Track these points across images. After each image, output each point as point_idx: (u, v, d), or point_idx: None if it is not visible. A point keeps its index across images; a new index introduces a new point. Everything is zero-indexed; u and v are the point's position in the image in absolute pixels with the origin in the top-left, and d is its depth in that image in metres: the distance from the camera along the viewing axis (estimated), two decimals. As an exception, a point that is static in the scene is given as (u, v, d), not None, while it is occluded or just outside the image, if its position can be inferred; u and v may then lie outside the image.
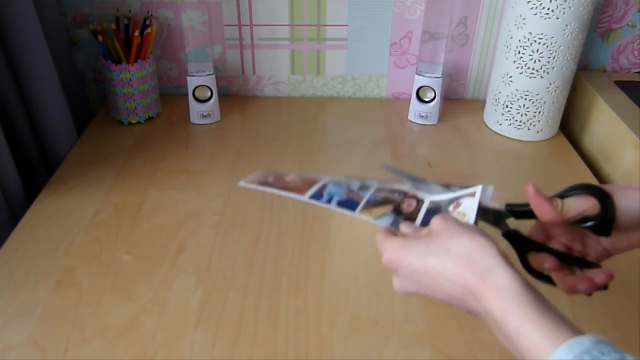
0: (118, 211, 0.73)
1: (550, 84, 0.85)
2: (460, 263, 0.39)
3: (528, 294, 0.36)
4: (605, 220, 0.43)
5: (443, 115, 0.98)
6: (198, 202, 0.75)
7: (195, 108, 0.93)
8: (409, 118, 0.97)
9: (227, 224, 0.72)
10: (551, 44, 0.81)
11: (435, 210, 0.47)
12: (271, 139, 0.91)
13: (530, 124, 0.89)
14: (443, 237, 0.41)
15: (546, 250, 0.45)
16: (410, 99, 0.97)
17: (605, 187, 0.44)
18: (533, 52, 0.83)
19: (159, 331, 0.57)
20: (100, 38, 0.86)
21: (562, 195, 0.45)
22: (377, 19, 0.96)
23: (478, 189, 0.45)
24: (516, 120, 0.90)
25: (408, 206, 0.47)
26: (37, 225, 0.71)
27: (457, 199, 0.46)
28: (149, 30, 0.89)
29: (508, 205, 0.46)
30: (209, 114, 0.94)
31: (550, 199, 0.44)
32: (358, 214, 0.46)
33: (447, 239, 0.40)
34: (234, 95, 1.05)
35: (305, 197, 0.48)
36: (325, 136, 0.92)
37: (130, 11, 0.94)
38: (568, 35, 0.81)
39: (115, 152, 0.86)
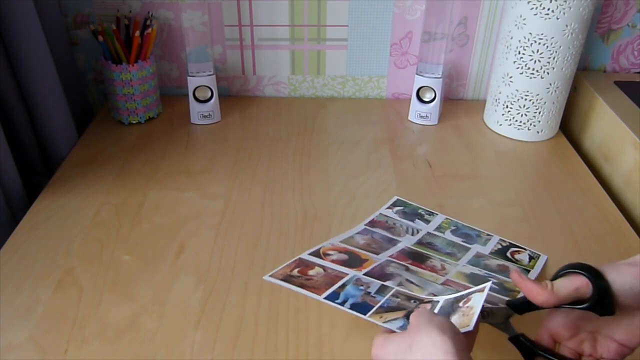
0: (118, 211, 0.73)
1: (550, 84, 0.85)
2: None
3: None
4: (601, 296, 0.42)
5: (443, 115, 0.98)
6: (198, 202, 0.75)
7: (195, 108, 0.93)
8: (409, 118, 0.97)
9: (227, 224, 0.72)
10: (551, 44, 0.81)
11: (447, 308, 0.47)
12: (271, 139, 0.91)
13: (530, 124, 0.89)
14: (411, 334, 0.41)
15: (553, 356, 0.45)
16: (410, 99, 0.97)
17: (596, 265, 0.44)
18: (533, 52, 0.83)
19: (159, 331, 0.57)
20: (100, 38, 0.86)
21: (553, 278, 0.46)
22: (377, 19, 0.96)
23: (487, 285, 0.46)
24: (516, 120, 0.90)
25: (422, 309, 0.48)
26: (37, 225, 0.71)
27: (468, 294, 0.47)
28: (149, 30, 0.89)
29: (508, 302, 0.48)
30: (209, 114, 0.94)
31: (537, 281, 0.45)
32: (367, 317, 0.47)
33: (413, 335, 0.41)
34: (234, 95, 1.05)
35: (320, 297, 0.50)
36: (325, 136, 0.92)
37: (130, 11, 0.95)
38: (568, 35, 0.81)
39: (115, 152, 0.86)
